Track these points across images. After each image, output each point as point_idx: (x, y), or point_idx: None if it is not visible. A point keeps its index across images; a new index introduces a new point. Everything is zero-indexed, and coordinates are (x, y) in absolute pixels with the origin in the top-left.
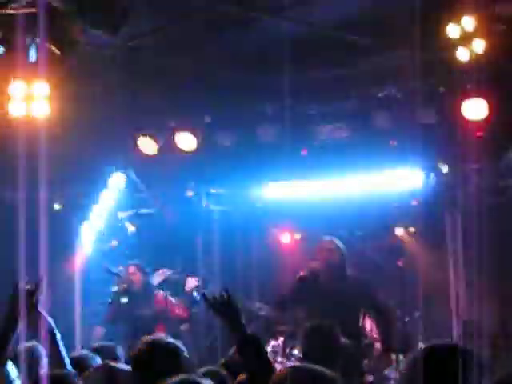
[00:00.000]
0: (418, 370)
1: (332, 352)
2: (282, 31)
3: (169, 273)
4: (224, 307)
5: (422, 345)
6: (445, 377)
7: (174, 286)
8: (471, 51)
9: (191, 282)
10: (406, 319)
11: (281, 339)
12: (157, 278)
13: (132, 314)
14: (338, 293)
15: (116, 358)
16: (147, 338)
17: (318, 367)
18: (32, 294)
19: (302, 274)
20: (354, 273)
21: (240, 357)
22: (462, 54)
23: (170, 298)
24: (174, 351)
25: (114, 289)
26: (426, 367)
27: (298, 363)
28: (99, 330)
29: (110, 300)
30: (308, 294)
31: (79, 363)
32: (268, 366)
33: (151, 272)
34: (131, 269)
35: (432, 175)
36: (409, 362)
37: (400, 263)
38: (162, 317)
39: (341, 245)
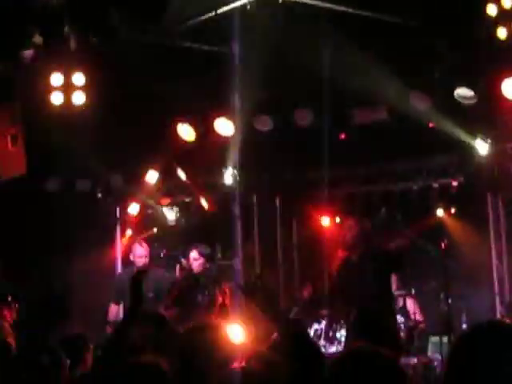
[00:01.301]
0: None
1: (380, 336)
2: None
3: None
4: (255, 292)
5: (464, 327)
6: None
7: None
8: (510, 29)
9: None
10: (449, 301)
11: (323, 322)
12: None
13: (190, 299)
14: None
15: None
16: None
17: (377, 348)
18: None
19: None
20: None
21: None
22: (501, 32)
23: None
24: None
25: (174, 274)
26: (469, 350)
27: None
28: (114, 307)
29: (169, 286)
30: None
31: None
32: (314, 351)
33: (214, 258)
34: (193, 254)
35: (473, 155)
36: (453, 346)
37: (442, 245)
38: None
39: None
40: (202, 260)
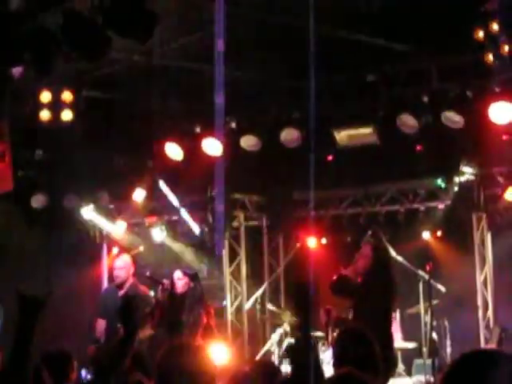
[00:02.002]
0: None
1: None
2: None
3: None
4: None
5: (449, 350)
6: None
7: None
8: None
9: None
10: (434, 324)
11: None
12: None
13: (173, 319)
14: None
15: None
16: None
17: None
18: None
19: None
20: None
21: None
22: (489, 57)
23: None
24: None
25: (157, 295)
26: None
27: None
28: (101, 323)
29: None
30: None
31: None
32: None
33: (199, 278)
34: (178, 274)
35: (458, 178)
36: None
37: (427, 267)
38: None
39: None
40: (186, 280)
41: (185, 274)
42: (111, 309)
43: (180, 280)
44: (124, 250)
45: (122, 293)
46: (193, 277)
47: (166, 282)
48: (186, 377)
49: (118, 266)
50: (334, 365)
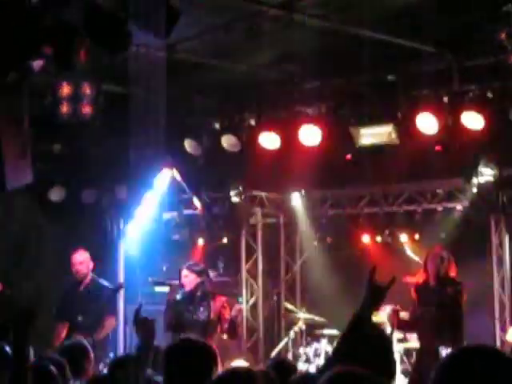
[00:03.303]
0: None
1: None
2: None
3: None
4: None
5: None
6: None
7: (217, 289)
8: None
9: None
10: None
11: (323, 342)
12: None
13: (187, 319)
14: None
15: None
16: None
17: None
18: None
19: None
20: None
21: None
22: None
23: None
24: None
25: (168, 298)
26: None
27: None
28: (62, 329)
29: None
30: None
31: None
32: None
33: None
34: (184, 271)
35: (477, 179)
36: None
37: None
38: (217, 323)
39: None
40: (192, 276)
41: (190, 270)
42: (72, 307)
43: (186, 277)
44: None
45: (82, 288)
46: (200, 272)
47: (173, 282)
48: (189, 372)
49: (78, 260)
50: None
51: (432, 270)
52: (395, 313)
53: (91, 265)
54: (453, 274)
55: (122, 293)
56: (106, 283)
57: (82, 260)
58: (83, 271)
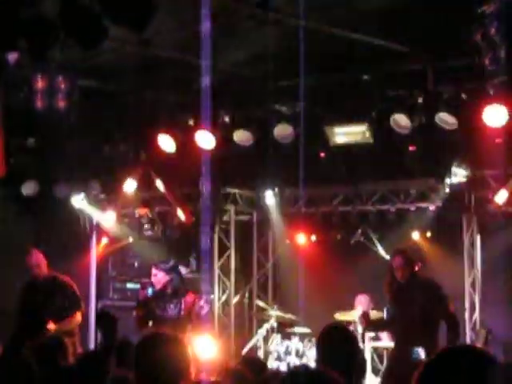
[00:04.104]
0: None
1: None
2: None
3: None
4: None
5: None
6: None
7: (189, 285)
8: (494, 57)
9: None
10: None
11: (295, 340)
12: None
13: (158, 316)
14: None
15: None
16: None
17: (320, 370)
18: None
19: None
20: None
21: None
22: (485, 60)
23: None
24: None
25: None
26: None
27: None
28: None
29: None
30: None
31: None
32: None
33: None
34: (153, 270)
35: (449, 180)
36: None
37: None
38: (189, 319)
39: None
40: (161, 274)
41: (159, 268)
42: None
43: (155, 276)
44: (113, 240)
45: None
46: (168, 270)
47: (145, 281)
48: (161, 365)
49: (34, 264)
50: (317, 362)
51: (400, 270)
52: (365, 315)
53: (45, 262)
54: (424, 273)
55: (93, 288)
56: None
57: (37, 263)
58: (41, 273)
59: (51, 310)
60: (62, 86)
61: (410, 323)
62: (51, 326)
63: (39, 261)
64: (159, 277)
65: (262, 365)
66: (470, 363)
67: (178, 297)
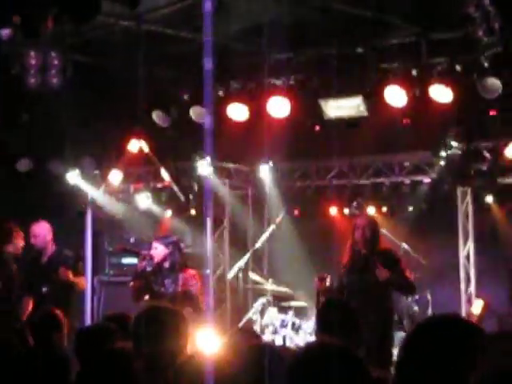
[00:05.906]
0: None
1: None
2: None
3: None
4: None
5: None
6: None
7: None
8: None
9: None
10: (416, 298)
11: (290, 314)
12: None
13: (155, 291)
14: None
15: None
16: None
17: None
18: None
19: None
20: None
21: None
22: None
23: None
24: None
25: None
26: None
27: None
28: (28, 302)
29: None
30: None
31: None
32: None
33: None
34: (153, 244)
35: (444, 152)
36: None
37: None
38: (188, 295)
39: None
40: (161, 248)
41: (159, 241)
42: (36, 278)
43: (155, 250)
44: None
45: (45, 260)
46: (168, 243)
47: (144, 252)
48: (160, 339)
49: (33, 233)
50: (316, 333)
51: (360, 238)
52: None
53: (49, 236)
54: (384, 244)
55: (89, 263)
56: (69, 253)
57: (36, 233)
58: (38, 244)
59: (66, 259)
60: (55, 61)
61: (365, 290)
62: (69, 274)
63: (40, 232)
64: (159, 250)
65: (256, 337)
66: (445, 329)
67: (175, 272)
